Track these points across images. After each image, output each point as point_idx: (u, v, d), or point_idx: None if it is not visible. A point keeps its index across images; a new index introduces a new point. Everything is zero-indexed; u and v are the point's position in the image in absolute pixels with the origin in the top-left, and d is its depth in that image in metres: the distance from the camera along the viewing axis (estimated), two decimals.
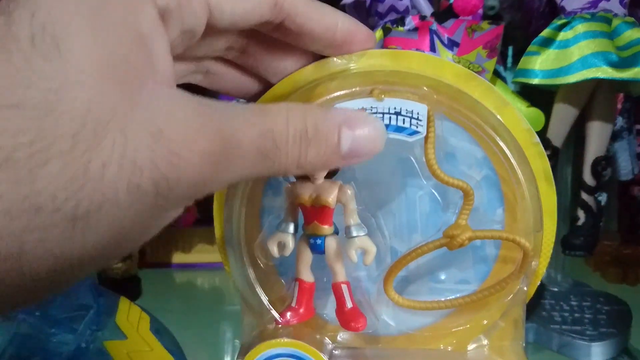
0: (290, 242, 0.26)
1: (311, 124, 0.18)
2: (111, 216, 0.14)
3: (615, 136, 0.53)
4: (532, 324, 0.38)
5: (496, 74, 0.52)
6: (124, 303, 0.29)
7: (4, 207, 0.13)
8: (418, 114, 0.24)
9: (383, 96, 0.24)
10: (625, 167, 0.54)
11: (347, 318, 0.26)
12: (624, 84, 0.38)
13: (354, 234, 0.25)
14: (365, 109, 0.24)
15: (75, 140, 0.14)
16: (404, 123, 0.24)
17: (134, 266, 0.51)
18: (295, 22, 0.22)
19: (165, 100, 0.16)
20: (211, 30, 0.21)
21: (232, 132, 0.16)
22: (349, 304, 0.26)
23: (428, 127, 0.24)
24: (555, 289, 0.43)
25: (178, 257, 0.56)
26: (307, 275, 0.26)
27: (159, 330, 0.29)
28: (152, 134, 0.15)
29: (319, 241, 0.26)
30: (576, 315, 0.39)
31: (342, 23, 0.23)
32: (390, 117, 0.24)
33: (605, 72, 0.35)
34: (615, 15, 0.37)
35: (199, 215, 0.52)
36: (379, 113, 0.24)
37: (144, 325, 0.28)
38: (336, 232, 0.26)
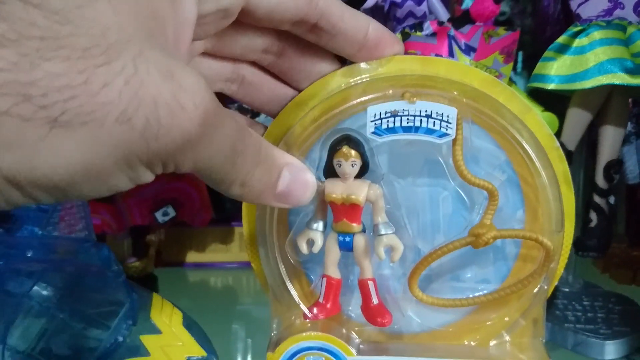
0: (319, 240, 0.27)
1: (262, 155, 0.20)
2: (89, 138, 0.14)
3: (623, 141, 0.55)
4: (547, 323, 0.39)
5: (509, 80, 0.53)
6: (157, 299, 0.30)
7: None
8: (448, 116, 0.25)
9: (415, 99, 0.25)
10: (632, 171, 0.55)
11: (373, 314, 0.27)
12: (637, 90, 0.39)
13: (382, 232, 0.26)
14: (398, 111, 0.25)
15: (84, 53, 0.14)
16: (434, 125, 0.25)
17: (151, 265, 0.52)
18: (329, 22, 0.23)
19: (181, 54, 0.17)
20: (247, 20, 0.21)
21: (224, 117, 0.17)
22: (375, 300, 0.27)
23: (457, 129, 0.25)
24: (567, 290, 0.44)
25: (192, 257, 0.57)
26: (334, 272, 0.27)
27: (190, 325, 0.30)
28: (163, 74, 0.15)
29: (347, 239, 0.26)
30: (589, 314, 0.40)
31: (373, 26, 0.24)
32: (421, 119, 0.25)
33: (620, 78, 0.36)
34: (630, 22, 0.38)
35: (215, 215, 0.52)
36: (411, 115, 0.25)
37: (177, 321, 0.29)
38: (363, 230, 0.27)
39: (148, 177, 0.17)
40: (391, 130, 0.25)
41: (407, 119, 0.25)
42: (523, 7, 0.56)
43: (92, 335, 0.30)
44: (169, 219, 0.49)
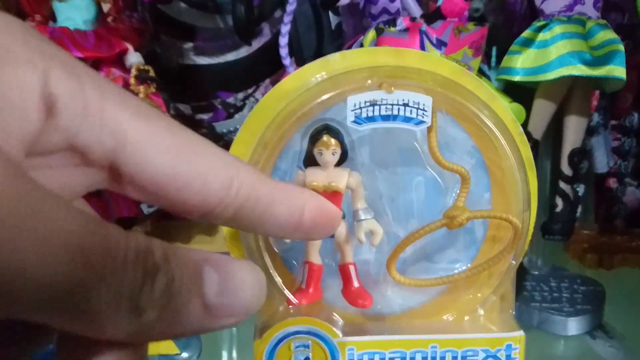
0: None
1: (160, 247, 0.13)
2: None
3: (592, 132, 0.57)
4: (515, 303, 0.41)
5: (481, 72, 0.55)
6: None
7: None
8: (424, 105, 0.26)
9: (392, 89, 0.26)
10: (601, 161, 0.57)
11: (354, 296, 0.28)
12: (598, 82, 0.41)
13: (362, 217, 0.27)
14: (376, 101, 0.26)
15: None
16: (411, 114, 0.26)
17: None
18: (254, 211, 0.17)
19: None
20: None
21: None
22: (356, 284, 0.28)
23: (432, 117, 0.27)
24: (536, 272, 0.46)
25: None
26: (316, 258, 0.28)
27: None
28: None
29: None
30: (555, 294, 0.42)
31: (309, 206, 0.18)
32: (399, 108, 0.26)
33: (579, 69, 0.38)
34: (589, 18, 0.40)
35: None
36: (389, 104, 0.26)
37: None
38: (343, 217, 0.28)
39: None
40: (371, 119, 0.26)
41: (386, 107, 0.26)
42: (496, 4, 0.58)
43: None
44: (154, 210, 0.50)
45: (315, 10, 0.53)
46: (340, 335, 0.27)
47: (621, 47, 0.38)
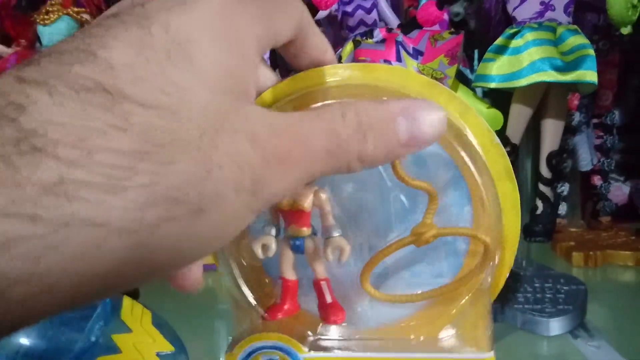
0: (273, 244, 0.28)
1: (365, 117, 0.18)
2: (222, 213, 0.15)
3: (574, 130, 0.58)
4: (498, 305, 0.42)
5: (462, 76, 0.56)
6: (127, 301, 0.33)
7: (146, 198, 0.14)
8: None
9: None
10: (585, 159, 0.58)
11: (327, 312, 0.29)
12: (572, 85, 0.42)
13: (329, 234, 0.28)
14: None
15: (199, 141, 0.15)
16: None
17: None
18: (302, 45, 0.24)
19: (258, 112, 0.18)
20: None
21: (306, 137, 0.18)
22: (329, 299, 0.29)
23: None
24: (521, 273, 0.47)
25: None
26: (290, 274, 0.29)
27: (160, 324, 0.32)
28: (251, 140, 0.16)
29: (298, 242, 0.28)
30: (538, 295, 0.43)
31: (330, 51, 0.26)
32: None
33: (551, 75, 0.39)
34: (560, 23, 0.41)
35: None
36: None
37: (146, 320, 0.31)
38: (314, 233, 0.29)
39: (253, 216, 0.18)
40: None
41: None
42: (477, 8, 0.59)
43: (69, 336, 0.32)
44: None
45: None
46: (307, 350, 0.28)
47: (591, 52, 0.39)
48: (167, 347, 0.31)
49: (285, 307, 0.28)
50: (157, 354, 0.30)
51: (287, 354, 0.28)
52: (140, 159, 0.14)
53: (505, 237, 0.28)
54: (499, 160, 0.29)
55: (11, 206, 0.12)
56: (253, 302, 0.29)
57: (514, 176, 0.29)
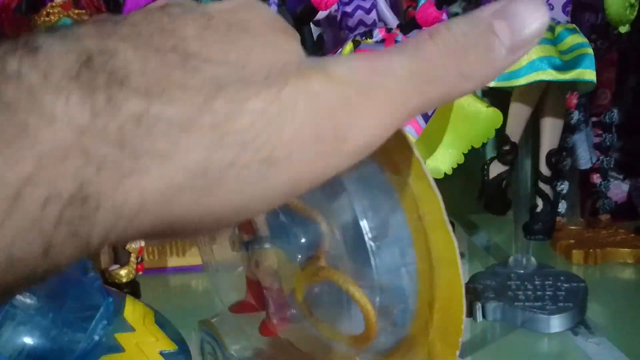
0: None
1: (456, 31, 0.16)
2: (295, 161, 0.14)
3: (573, 129, 0.58)
4: (499, 303, 0.42)
5: None
6: (130, 300, 0.33)
7: (215, 139, 0.13)
8: None
9: None
10: (584, 157, 0.59)
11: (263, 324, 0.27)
12: (571, 84, 0.42)
13: (260, 244, 0.26)
14: None
15: (265, 82, 0.14)
16: None
17: (133, 271, 0.54)
18: None
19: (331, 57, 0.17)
20: None
21: (391, 68, 0.15)
22: (270, 309, 0.26)
23: None
24: (521, 271, 0.47)
25: (173, 261, 0.59)
26: (250, 273, 0.27)
27: (162, 323, 0.32)
28: (327, 78, 0.15)
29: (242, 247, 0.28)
30: (538, 293, 0.43)
31: None
32: None
33: (549, 74, 0.39)
34: (558, 22, 0.41)
35: None
36: None
37: (149, 319, 0.32)
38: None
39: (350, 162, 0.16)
40: None
41: None
42: (473, 8, 0.59)
43: (72, 337, 0.32)
44: None
45: (297, 21, 0.55)
46: None
47: (589, 51, 0.39)
48: (170, 346, 0.31)
49: (247, 303, 0.28)
50: (160, 353, 0.30)
51: None
52: (211, 98, 0.13)
53: (443, 292, 0.22)
54: (443, 246, 0.21)
55: (102, 132, 0.12)
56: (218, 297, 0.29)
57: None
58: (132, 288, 0.53)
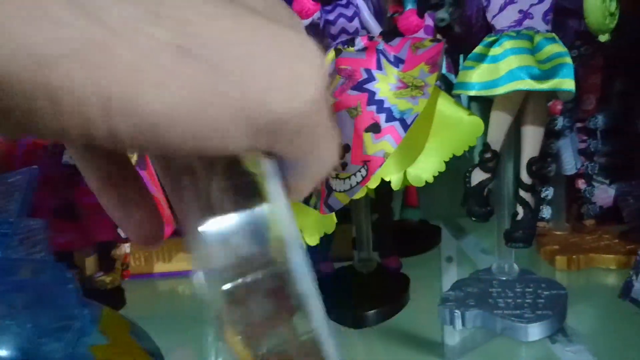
0: None
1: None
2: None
3: (558, 135, 0.58)
4: (479, 311, 0.42)
5: (447, 81, 0.56)
6: (106, 311, 0.33)
7: None
8: None
9: None
10: (569, 163, 0.59)
11: None
12: (551, 93, 0.42)
13: None
14: None
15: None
16: None
17: (118, 278, 0.54)
18: None
19: None
20: None
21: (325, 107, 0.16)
22: None
23: None
24: (503, 278, 0.47)
25: (159, 267, 0.60)
26: None
27: (138, 334, 0.33)
28: (294, 50, 0.16)
29: None
30: (518, 300, 0.43)
31: None
32: None
33: (527, 84, 0.39)
34: (538, 32, 0.41)
35: (177, 227, 0.55)
36: None
37: (124, 330, 0.32)
38: None
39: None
40: None
41: None
42: (462, 14, 0.59)
43: (49, 347, 0.33)
44: None
45: None
46: None
47: (568, 60, 0.39)
48: (145, 358, 0.31)
49: None
50: None
51: None
52: None
53: None
54: None
55: None
56: None
57: None
58: (117, 295, 0.53)
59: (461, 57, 0.59)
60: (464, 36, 0.55)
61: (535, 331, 0.40)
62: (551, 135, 0.56)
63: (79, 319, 0.32)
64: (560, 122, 0.56)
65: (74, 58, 0.13)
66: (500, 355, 0.41)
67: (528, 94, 0.43)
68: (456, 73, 0.58)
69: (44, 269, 0.36)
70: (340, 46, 0.46)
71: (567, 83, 0.39)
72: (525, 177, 0.45)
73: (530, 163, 0.44)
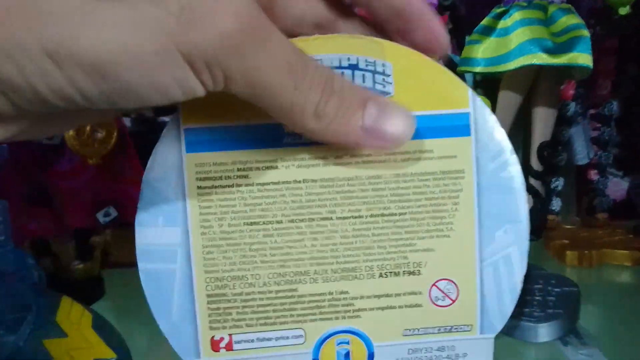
0: None
1: (340, 80, 0.17)
2: (126, 16, 0.15)
3: (570, 122, 0.55)
4: None
5: (451, 62, 0.53)
6: (65, 302, 0.30)
7: None
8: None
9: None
10: (580, 152, 0.55)
11: None
12: (565, 70, 0.39)
13: None
14: None
15: None
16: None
17: (96, 267, 0.51)
18: None
19: None
20: None
21: (272, 32, 0.16)
22: None
23: None
24: None
25: None
26: None
27: (101, 327, 0.29)
28: None
29: None
30: (527, 297, 0.40)
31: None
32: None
33: (540, 58, 0.35)
34: (552, 2, 0.38)
35: None
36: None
37: (85, 323, 0.28)
38: None
39: (198, 88, 0.16)
40: None
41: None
42: None
43: (5, 340, 0.29)
44: (110, 220, 0.48)
45: None
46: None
47: (585, 33, 0.36)
48: (108, 354, 0.28)
49: None
50: None
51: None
52: None
53: None
54: None
55: None
56: None
57: None
58: (96, 285, 0.50)
59: (466, 38, 0.55)
60: (469, 16, 0.52)
61: (545, 332, 0.37)
62: (562, 121, 0.53)
63: (33, 309, 0.28)
64: (572, 108, 0.53)
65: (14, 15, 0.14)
66: (507, 358, 0.37)
67: (539, 71, 0.39)
68: (459, 54, 0.54)
69: (2, 253, 0.33)
70: None
71: (583, 57, 0.35)
72: (535, 164, 0.41)
73: (542, 148, 0.40)
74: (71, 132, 0.44)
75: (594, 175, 0.56)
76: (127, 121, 0.57)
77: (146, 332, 0.38)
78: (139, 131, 0.57)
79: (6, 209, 0.35)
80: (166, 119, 0.55)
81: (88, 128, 0.45)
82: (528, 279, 0.42)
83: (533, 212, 0.41)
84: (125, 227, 0.52)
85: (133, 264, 0.61)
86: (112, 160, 0.47)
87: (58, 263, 0.51)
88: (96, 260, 0.51)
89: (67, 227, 0.49)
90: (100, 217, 0.48)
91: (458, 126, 0.24)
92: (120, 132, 0.47)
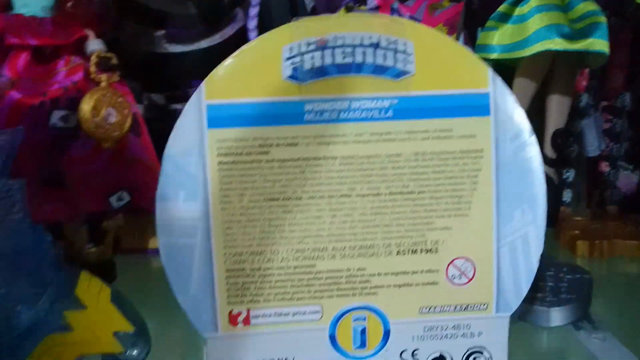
0: None
1: None
2: None
3: (581, 114, 0.55)
4: None
5: None
6: (84, 276, 0.30)
7: None
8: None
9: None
10: (592, 144, 0.55)
11: None
12: (581, 57, 0.39)
13: None
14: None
15: None
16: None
17: (109, 251, 0.51)
18: None
19: None
20: None
21: None
22: None
23: None
24: None
25: (154, 243, 0.56)
26: None
27: (120, 301, 0.29)
28: None
29: None
30: (539, 283, 0.40)
31: None
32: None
33: (558, 44, 0.35)
34: None
35: None
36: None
37: (104, 297, 0.29)
38: None
39: None
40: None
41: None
42: None
43: (24, 314, 0.30)
44: (123, 204, 0.48)
45: None
46: None
47: (602, 19, 0.36)
48: (126, 327, 0.28)
49: None
50: (115, 334, 0.27)
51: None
52: None
53: None
54: None
55: None
56: None
57: None
58: (108, 268, 0.50)
59: (479, 30, 0.55)
60: (483, 7, 0.52)
61: (557, 316, 0.37)
62: (574, 113, 0.53)
63: (53, 283, 0.28)
64: (584, 99, 0.53)
65: None
66: (518, 343, 0.37)
67: (555, 59, 0.39)
68: (473, 47, 0.54)
69: (20, 231, 0.33)
70: (351, 4, 0.42)
71: (600, 44, 0.35)
72: (549, 152, 0.41)
73: (556, 135, 0.40)
74: (87, 115, 0.44)
75: (605, 167, 0.56)
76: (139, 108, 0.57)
77: (159, 313, 0.38)
78: (150, 118, 0.57)
79: (24, 187, 0.36)
80: (178, 106, 0.55)
81: (103, 111, 0.45)
82: (540, 265, 0.43)
83: (547, 199, 0.42)
84: (136, 213, 0.53)
85: (144, 250, 0.61)
86: (126, 144, 0.47)
87: (71, 247, 0.51)
88: (108, 245, 0.51)
89: (81, 210, 0.49)
90: (113, 201, 0.48)
91: (478, 106, 0.24)
92: (134, 116, 0.47)
